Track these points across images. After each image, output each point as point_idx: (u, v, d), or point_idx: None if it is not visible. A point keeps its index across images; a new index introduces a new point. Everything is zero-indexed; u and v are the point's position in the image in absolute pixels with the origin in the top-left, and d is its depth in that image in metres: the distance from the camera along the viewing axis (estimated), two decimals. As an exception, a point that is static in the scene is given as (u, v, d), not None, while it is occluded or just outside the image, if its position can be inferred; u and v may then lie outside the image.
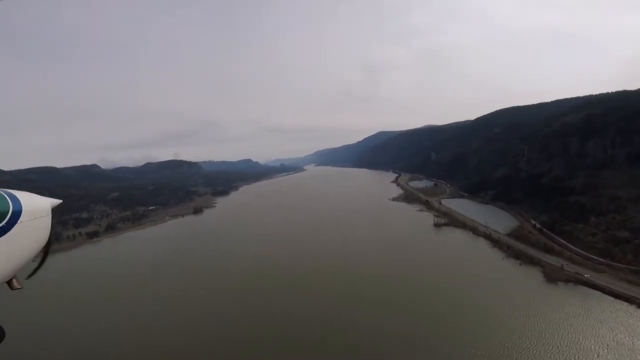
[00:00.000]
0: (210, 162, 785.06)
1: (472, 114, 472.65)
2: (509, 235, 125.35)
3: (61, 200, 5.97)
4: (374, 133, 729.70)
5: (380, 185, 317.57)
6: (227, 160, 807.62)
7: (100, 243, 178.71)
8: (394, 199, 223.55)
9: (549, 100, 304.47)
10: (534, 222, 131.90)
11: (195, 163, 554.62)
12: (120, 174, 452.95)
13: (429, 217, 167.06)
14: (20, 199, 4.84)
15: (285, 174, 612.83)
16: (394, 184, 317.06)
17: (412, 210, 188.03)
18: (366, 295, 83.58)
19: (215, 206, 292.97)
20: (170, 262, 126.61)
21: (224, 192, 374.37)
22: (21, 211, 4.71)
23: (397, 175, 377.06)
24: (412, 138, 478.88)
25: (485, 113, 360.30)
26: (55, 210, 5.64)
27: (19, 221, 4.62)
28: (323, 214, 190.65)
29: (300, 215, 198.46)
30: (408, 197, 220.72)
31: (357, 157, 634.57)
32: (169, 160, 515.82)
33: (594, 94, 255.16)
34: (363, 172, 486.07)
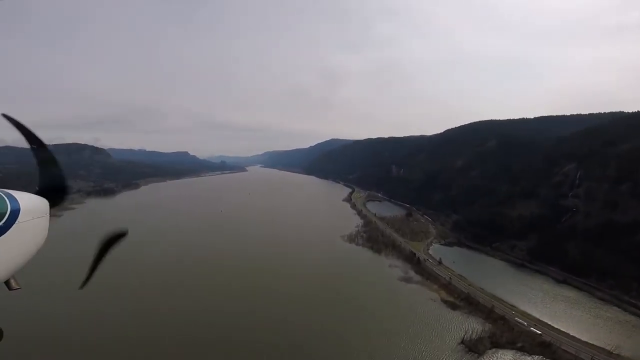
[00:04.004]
0: (140, 152, 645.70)
1: (426, 132, 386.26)
2: None
3: None
4: (327, 139, 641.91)
5: (329, 205, 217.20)
6: (160, 151, 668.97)
7: None
8: (350, 239, 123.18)
9: (532, 117, 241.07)
10: None
11: (102, 149, 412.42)
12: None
13: (433, 305, 70.39)
14: (18, 199, 4.47)
15: (219, 172, 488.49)
16: (347, 204, 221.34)
17: (387, 274, 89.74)
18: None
19: (61, 215, 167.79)
20: None
21: (109, 192, 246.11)
22: (19, 211, 4.35)
23: (350, 190, 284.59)
24: (368, 147, 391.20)
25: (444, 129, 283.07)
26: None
27: (17, 221, 4.27)
28: (211, 288, 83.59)
29: (164, 274, 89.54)
30: (373, 237, 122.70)
31: (308, 162, 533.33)
32: (68, 144, 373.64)
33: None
34: (311, 181, 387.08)
